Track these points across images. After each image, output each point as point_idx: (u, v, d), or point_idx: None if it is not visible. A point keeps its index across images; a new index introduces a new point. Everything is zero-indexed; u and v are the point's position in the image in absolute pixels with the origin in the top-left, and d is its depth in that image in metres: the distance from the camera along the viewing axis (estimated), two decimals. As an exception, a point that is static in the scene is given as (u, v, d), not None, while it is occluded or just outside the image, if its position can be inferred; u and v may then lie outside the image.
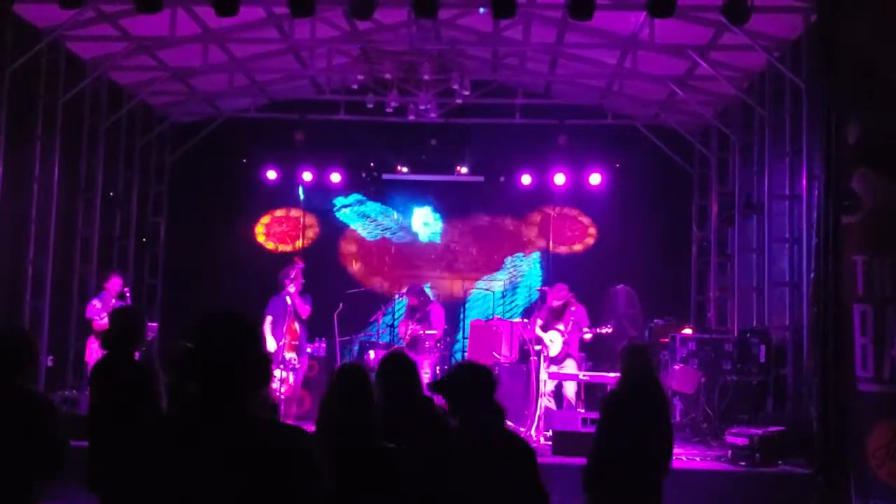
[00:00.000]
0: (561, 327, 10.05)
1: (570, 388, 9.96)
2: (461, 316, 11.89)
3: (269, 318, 10.05)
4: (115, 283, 9.93)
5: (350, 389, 3.66)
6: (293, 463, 2.35)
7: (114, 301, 9.67)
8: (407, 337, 10.74)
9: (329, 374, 3.89)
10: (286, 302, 10.03)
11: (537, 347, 10.01)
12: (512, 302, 13.76)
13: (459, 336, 12.55)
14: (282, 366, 9.75)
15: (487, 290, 13.27)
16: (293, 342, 10.02)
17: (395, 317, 11.50)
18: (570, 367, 10.06)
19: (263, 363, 2.47)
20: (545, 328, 10.10)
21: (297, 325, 10.09)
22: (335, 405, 3.55)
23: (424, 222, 14.20)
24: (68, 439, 4.14)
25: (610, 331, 10.16)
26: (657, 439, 5.46)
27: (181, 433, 2.36)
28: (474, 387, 3.93)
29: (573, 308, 10.17)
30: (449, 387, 3.99)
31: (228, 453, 2.30)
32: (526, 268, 14.10)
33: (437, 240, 14.22)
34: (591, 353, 11.11)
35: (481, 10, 9.35)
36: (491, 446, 3.81)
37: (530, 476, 3.81)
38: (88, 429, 4.75)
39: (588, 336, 10.02)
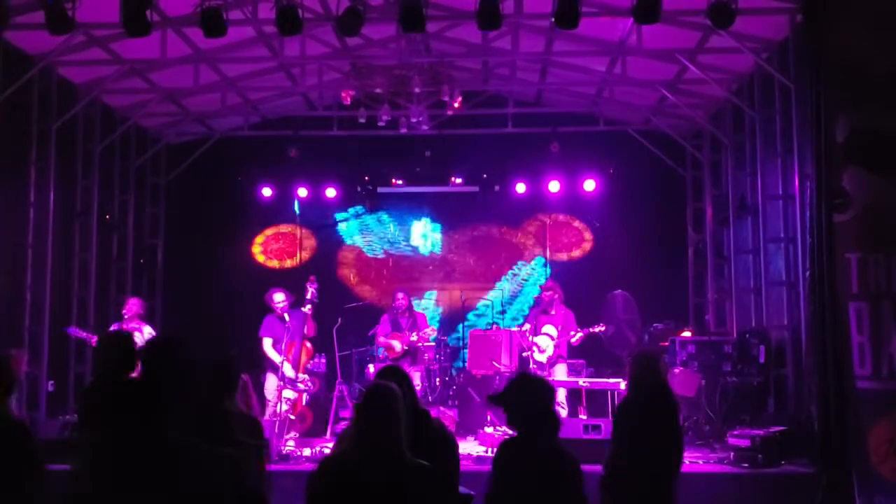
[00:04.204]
0: (549, 329, 10.03)
1: (560, 391, 9.98)
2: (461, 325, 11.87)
3: (268, 340, 9.55)
4: (129, 308, 9.70)
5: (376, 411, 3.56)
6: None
7: (134, 324, 9.43)
8: (403, 349, 10.70)
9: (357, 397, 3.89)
10: (285, 321, 9.55)
11: (524, 354, 10.02)
12: (511, 311, 13.76)
13: (460, 345, 12.59)
14: (301, 385, 9.48)
15: (486, 299, 13.29)
16: (307, 362, 9.81)
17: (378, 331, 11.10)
18: (560, 371, 10.06)
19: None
20: (535, 332, 10.11)
21: (309, 345, 9.75)
22: (362, 426, 3.50)
23: (423, 234, 14.22)
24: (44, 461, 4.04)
25: (602, 329, 10.18)
26: (669, 442, 5.63)
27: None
28: (534, 401, 4.09)
29: (562, 312, 10.19)
30: (508, 400, 4.15)
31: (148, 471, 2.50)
32: (526, 276, 14.11)
33: (436, 251, 14.24)
34: (592, 360, 11.12)
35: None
36: (545, 461, 3.96)
37: (575, 492, 3.98)
38: None
39: (577, 338, 10.02)
